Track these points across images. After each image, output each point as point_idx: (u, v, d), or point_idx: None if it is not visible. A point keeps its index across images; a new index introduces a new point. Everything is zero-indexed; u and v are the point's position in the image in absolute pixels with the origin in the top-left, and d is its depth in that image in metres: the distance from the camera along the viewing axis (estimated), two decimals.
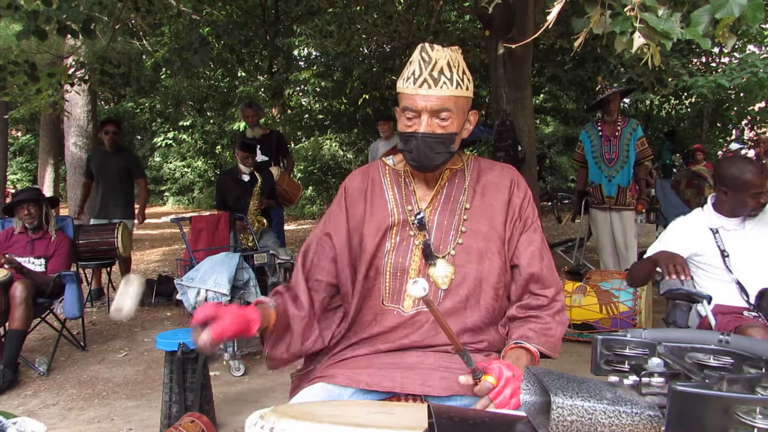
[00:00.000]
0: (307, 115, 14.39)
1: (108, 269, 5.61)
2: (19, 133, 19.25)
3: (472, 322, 1.45)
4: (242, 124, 11.51)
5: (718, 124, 15.62)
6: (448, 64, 1.40)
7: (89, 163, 5.70)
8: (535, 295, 1.47)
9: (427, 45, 1.42)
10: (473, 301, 1.45)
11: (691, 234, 2.53)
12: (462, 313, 1.44)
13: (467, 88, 1.43)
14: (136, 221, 5.72)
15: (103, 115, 16.39)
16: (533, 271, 1.46)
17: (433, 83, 1.38)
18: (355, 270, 1.52)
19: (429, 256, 1.45)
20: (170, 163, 16.59)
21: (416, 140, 1.41)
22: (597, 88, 5.05)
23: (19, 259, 3.92)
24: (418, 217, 1.46)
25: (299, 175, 12.68)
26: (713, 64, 14.83)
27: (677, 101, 15.58)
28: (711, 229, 2.51)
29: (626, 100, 13.95)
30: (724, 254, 2.46)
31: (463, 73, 1.42)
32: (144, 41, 8.07)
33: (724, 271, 2.48)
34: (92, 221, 5.47)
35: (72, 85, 5.62)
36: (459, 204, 1.51)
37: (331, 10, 8.25)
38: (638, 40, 1.88)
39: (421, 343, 1.43)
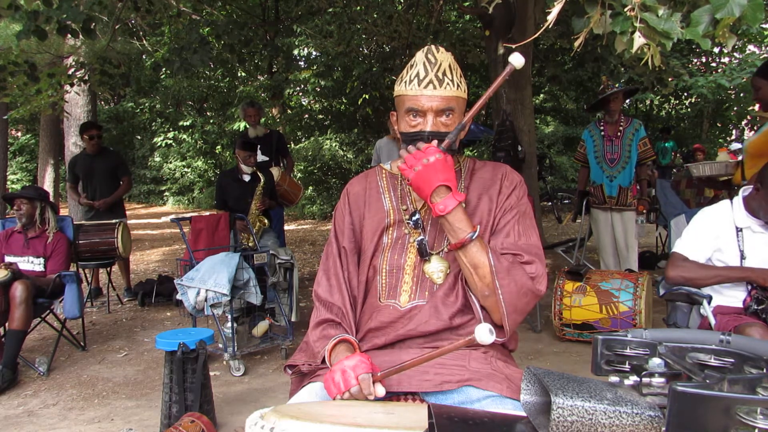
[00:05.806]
0: (307, 115, 14.41)
1: (108, 269, 5.62)
2: (19, 133, 19.26)
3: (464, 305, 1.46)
4: (242, 124, 11.52)
5: (718, 124, 15.65)
6: (450, 66, 1.48)
7: (74, 167, 5.66)
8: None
9: (432, 47, 1.49)
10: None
11: (717, 229, 2.42)
12: (455, 303, 1.46)
13: (464, 90, 1.50)
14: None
15: (103, 114, 16.46)
16: (494, 244, 1.46)
17: (438, 84, 1.45)
18: (357, 270, 1.57)
19: (424, 253, 1.49)
20: (170, 163, 16.60)
21: (423, 139, 1.45)
22: (600, 88, 5.02)
23: (17, 258, 3.92)
24: (414, 218, 1.51)
25: (299, 175, 12.67)
26: (713, 64, 14.87)
27: (677, 101, 15.60)
28: (736, 227, 2.39)
29: (626, 100, 13.93)
30: (742, 256, 2.36)
31: (461, 76, 1.50)
32: (144, 41, 8.06)
33: None
34: None
35: (72, 85, 5.62)
36: None
37: (331, 10, 8.26)
38: (638, 40, 1.88)
39: (415, 332, 1.44)
